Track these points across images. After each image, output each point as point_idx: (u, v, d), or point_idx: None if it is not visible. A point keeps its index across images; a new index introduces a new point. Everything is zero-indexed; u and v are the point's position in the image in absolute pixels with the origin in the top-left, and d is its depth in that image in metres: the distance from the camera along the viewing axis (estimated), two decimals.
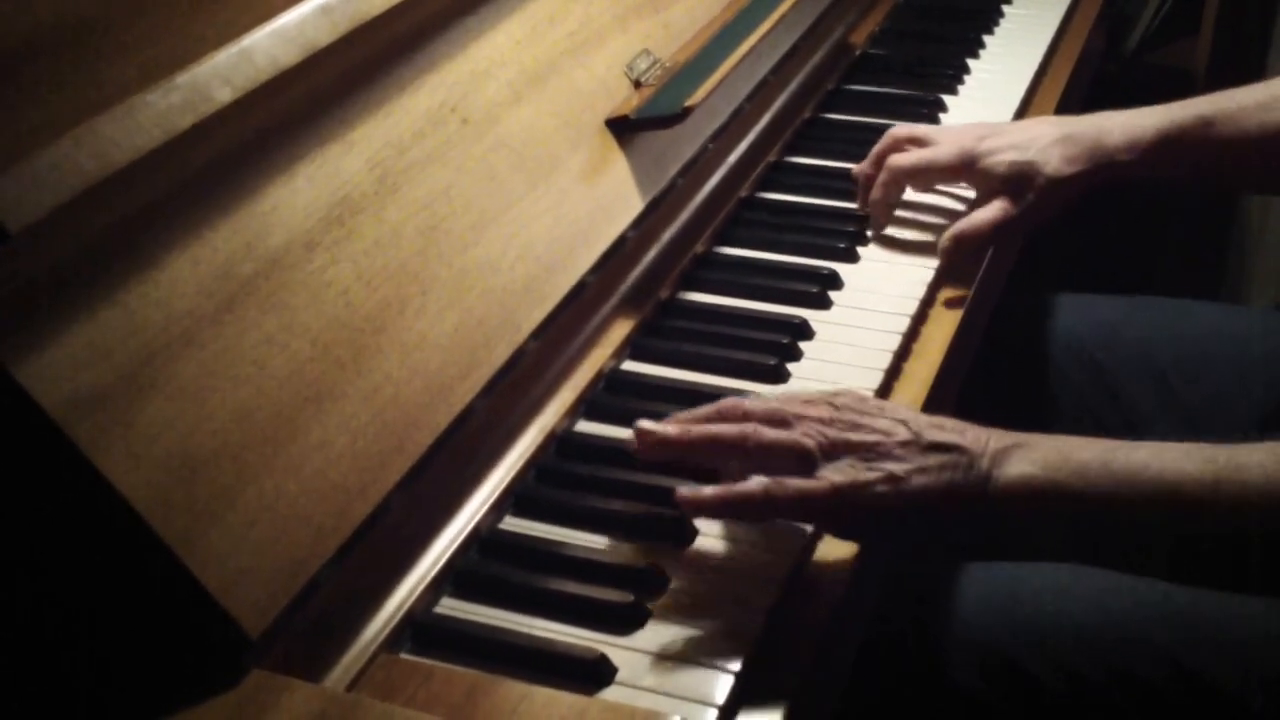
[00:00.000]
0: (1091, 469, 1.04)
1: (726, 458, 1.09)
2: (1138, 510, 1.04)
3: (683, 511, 1.06)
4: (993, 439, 1.06)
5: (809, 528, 1.08)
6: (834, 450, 1.05)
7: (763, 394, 1.21)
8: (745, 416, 1.09)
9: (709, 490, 1.05)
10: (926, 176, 1.49)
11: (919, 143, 1.50)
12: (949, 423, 1.08)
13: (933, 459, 1.05)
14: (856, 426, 1.06)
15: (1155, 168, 1.41)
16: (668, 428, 1.09)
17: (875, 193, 1.49)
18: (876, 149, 1.51)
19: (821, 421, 1.07)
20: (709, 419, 1.10)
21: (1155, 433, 1.41)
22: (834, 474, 1.04)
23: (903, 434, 1.05)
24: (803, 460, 1.05)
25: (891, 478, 1.03)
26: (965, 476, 1.04)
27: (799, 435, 1.06)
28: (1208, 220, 2.49)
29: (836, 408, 1.08)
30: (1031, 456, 1.05)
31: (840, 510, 1.04)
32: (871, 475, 1.03)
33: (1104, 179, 1.41)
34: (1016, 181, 1.41)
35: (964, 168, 1.46)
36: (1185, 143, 1.40)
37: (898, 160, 1.48)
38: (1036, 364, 1.57)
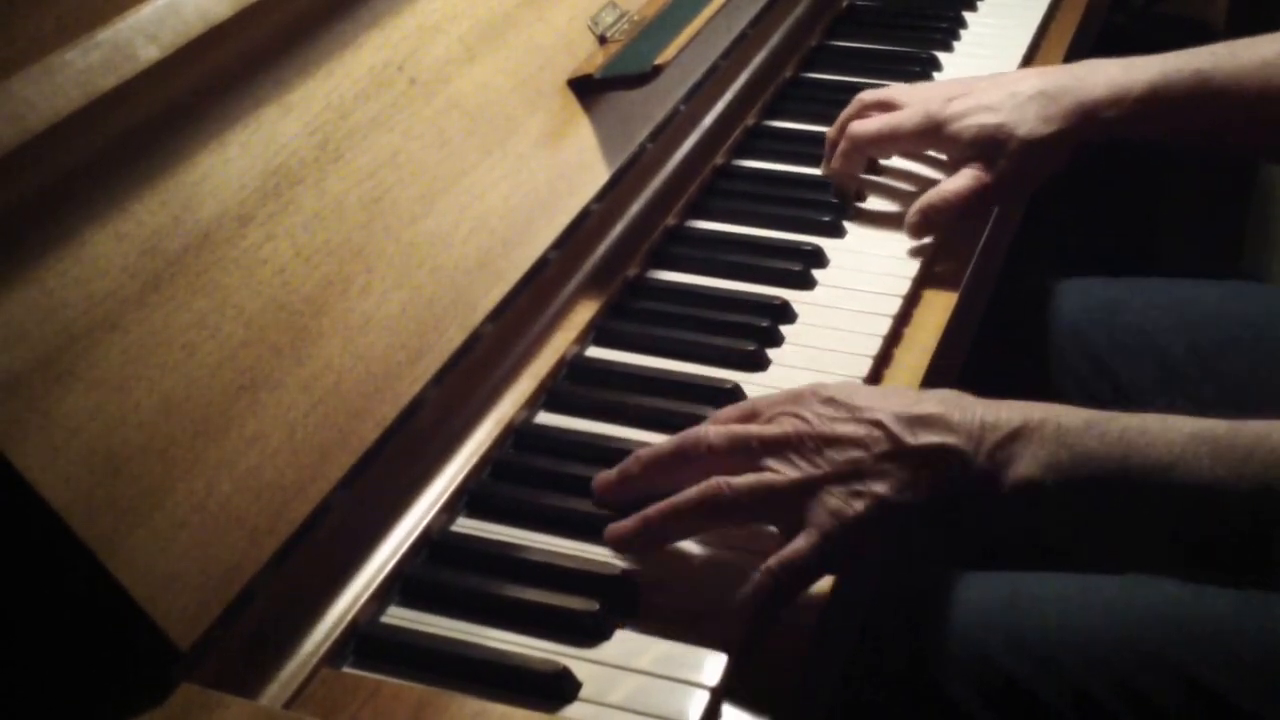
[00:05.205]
0: (1107, 470, 1.00)
1: (704, 524, 1.08)
2: (1154, 513, 1.01)
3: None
4: (986, 429, 1.02)
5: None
6: (811, 483, 1.02)
7: (729, 398, 1.22)
8: (709, 452, 1.06)
9: (727, 614, 1.02)
10: (890, 145, 1.49)
11: (887, 107, 1.49)
12: (933, 415, 1.04)
13: (922, 467, 1.02)
14: (830, 442, 1.03)
15: (1143, 127, 1.40)
16: (633, 525, 1.07)
17: (835, 162, 1.49)
18: (843, 114, 1.51)
19: (789, 443, 1.04)
20: (670, 461, 1.09)
21: None
22: (819, 515, 1.01)
23: (882, 444, 1.02)
24: (778, 504, 1.04)
25: (878, 500, 1.01)
26: (962, 481, 1.01)
27: (770, 477, 1.04)
28: (1223, 187, 2.51)
29: (805, 420, 1.05)
30: (1038, 455, 1.01)
31: (836, 552, 1.02)
32: (858, 505, 1.01)
33: (1087, 138, 1.41)
34: (988, 146, 1.41)
35: (930, 133, 1.45)
36: (1177, 101, 1.39)
37: (859, 127, 1.48)
38: (1036, 355, 1.57)
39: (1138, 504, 1.00)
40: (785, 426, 1.05)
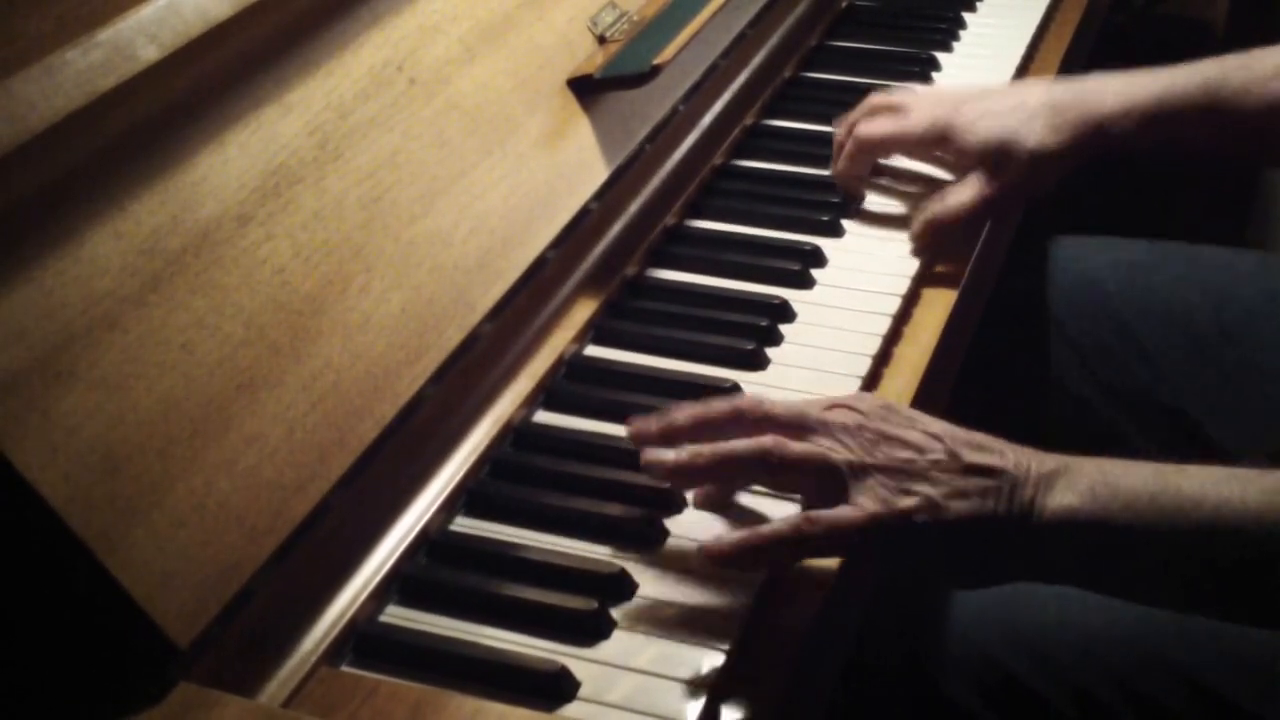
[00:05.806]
0: (1140, 501, 1.02)
1: (746, 477, 1.09)
2: (1186, 544, 1.03)
3: (711, 558, 1.04)
4: (1034, 462, 1.05)
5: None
6: (863, 469, 1.03)
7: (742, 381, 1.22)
8: (766, 418, 1.07)
9: (733, 538, 1.03)
10: (896, 148, 1.50)
11: (895, 110, 1.49)
12: (987, 441, 1.06)
13: (973, 483, 1.03)
14: (887, 438, 1.05)
15: (1153, 139, 1.40)
16: (678, 456, 1.08)
17: (840, 164, 1.49)
18: (851, 116, 1.52)
19: (847, 430, 1.05)
20: (723, 419, 1.09)
21: (1187, 398, 1.41)
22: (868, 499, 1.02)
23: (938, 452, 1.04)
24: (828, 478, 1.04)
25: (929, 503, 1.02)
26: (1008, 505, 1.03)
27: (825, 449, 1.05)
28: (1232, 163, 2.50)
29: (863, 414, 1.06)
30: (1076, 485, 1.03)
31: (873, 540, 1.03)
32: (908, 502, 1.02)
33: (1095, 151, 1.41)
34: (995, 156, 1.41)
35: (937, 140, 1.46)
36: (1188, 113, 1.38)
37: (866, 130, 1.48)
38: (1049, 315, 1.57)
39: (1171, 533, 1.02)
40: (845, 417, 1.06)
